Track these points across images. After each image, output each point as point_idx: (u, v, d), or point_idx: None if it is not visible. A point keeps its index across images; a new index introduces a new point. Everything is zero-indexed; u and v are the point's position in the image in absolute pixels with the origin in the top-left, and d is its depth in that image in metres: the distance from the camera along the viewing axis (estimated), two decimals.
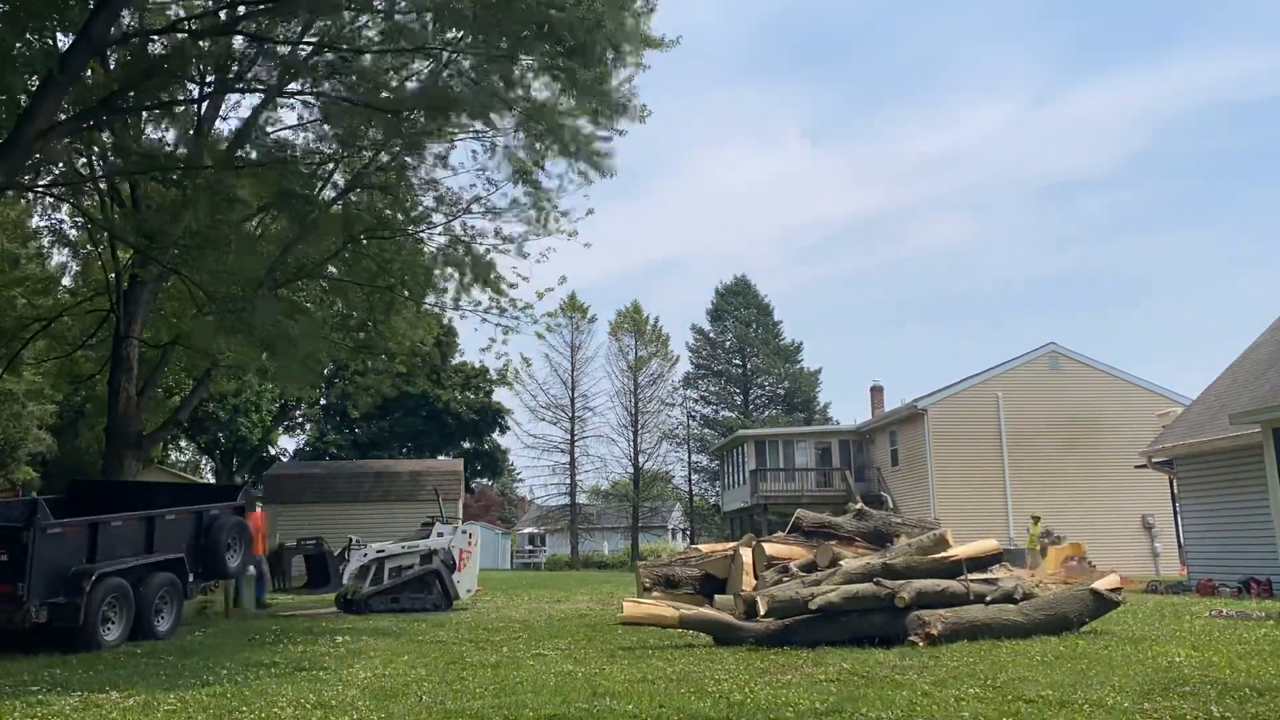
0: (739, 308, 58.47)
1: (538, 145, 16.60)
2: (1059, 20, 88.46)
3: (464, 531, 16.27)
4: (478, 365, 48.28)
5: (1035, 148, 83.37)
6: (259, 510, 15.51)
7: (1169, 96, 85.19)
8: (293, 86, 15.35)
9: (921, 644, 8.64)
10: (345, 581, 14.85)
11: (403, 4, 13.46)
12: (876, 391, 39.35)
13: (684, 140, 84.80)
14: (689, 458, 55.67)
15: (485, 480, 59.99)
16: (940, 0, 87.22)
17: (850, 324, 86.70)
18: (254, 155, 16.95)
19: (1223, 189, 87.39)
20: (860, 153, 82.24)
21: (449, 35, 14.44)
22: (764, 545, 13.25)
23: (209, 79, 15.68)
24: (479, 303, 20.01)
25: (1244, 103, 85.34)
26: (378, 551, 15.21)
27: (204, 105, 16.75)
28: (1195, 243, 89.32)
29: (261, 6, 13.21)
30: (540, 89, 14.78)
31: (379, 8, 13.61)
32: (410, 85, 15.84)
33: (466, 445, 50.83)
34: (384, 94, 14.61)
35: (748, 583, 12.47)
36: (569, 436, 48.25)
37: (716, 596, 13.20)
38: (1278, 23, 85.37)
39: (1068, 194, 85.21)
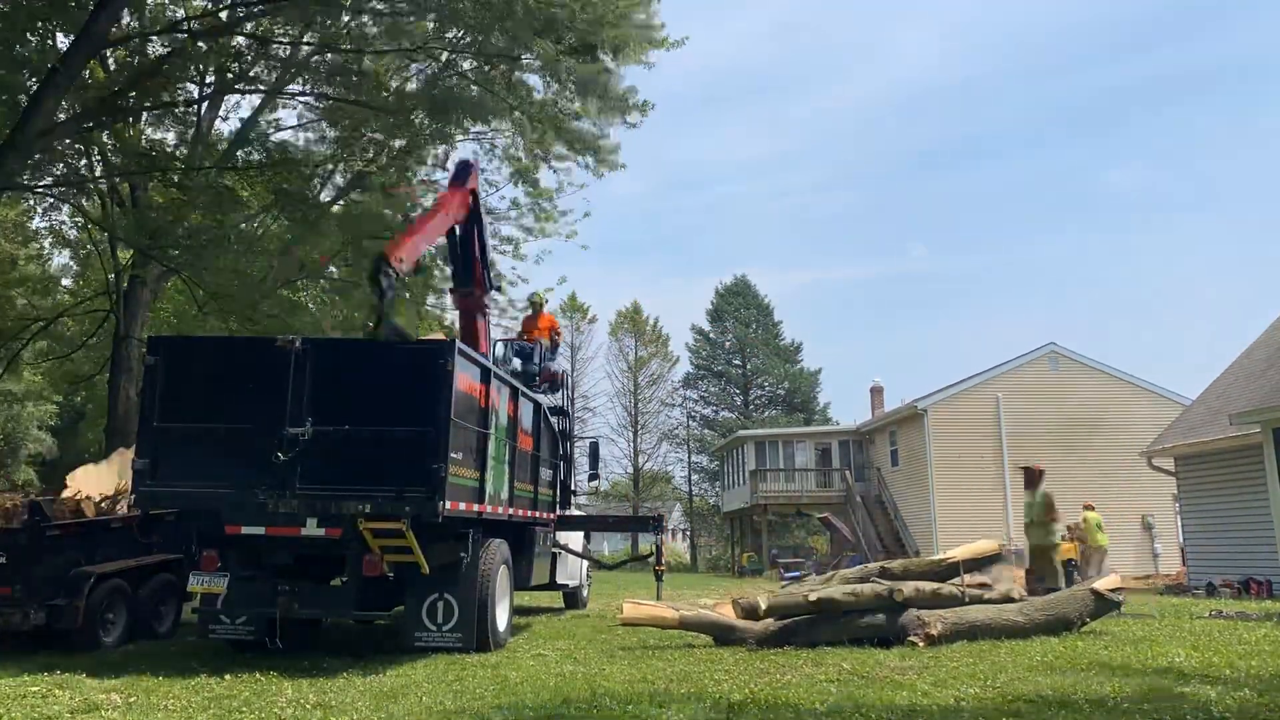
0: (739, 308, 58.43)
1: (539, 145, 16.62)
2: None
3: None
4: None
5: None
6: None
7: None
8: (293, 87, 15.40)
9: (921, 644, 8.65)
10: None
11: (403, 4, 13.47)
12: (876, 392, 39.36)
13: None
14: (689, 458, 55.69)
15: None
16: None
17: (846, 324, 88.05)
18: (254, 156, 16.98)
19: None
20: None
21: (450, 35, 14.45)
22: None
23: (209, 79, 15.68)
24: None
25: None
26: None
27: (204, 105, 16.75)
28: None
29: (261, 6, 13.22)
30: (542, 89, 14.80)
31: (378, 8, 13.62)
32: (411, 86, 15.87)
33: None
34: (384, 94, 14.62)
35: None
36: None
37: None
38: None
39: None
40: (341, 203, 18.88)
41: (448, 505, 8.26)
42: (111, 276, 17.85)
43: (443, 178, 19.40)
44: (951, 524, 27.07)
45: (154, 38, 14.40)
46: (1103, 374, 28.87)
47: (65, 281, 23.97)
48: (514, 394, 10.68)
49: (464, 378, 8.81)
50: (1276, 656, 7.98)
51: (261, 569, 8.82)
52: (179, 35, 13.72)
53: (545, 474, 12.22)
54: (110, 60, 15.62)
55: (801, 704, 6.08)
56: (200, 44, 13.67)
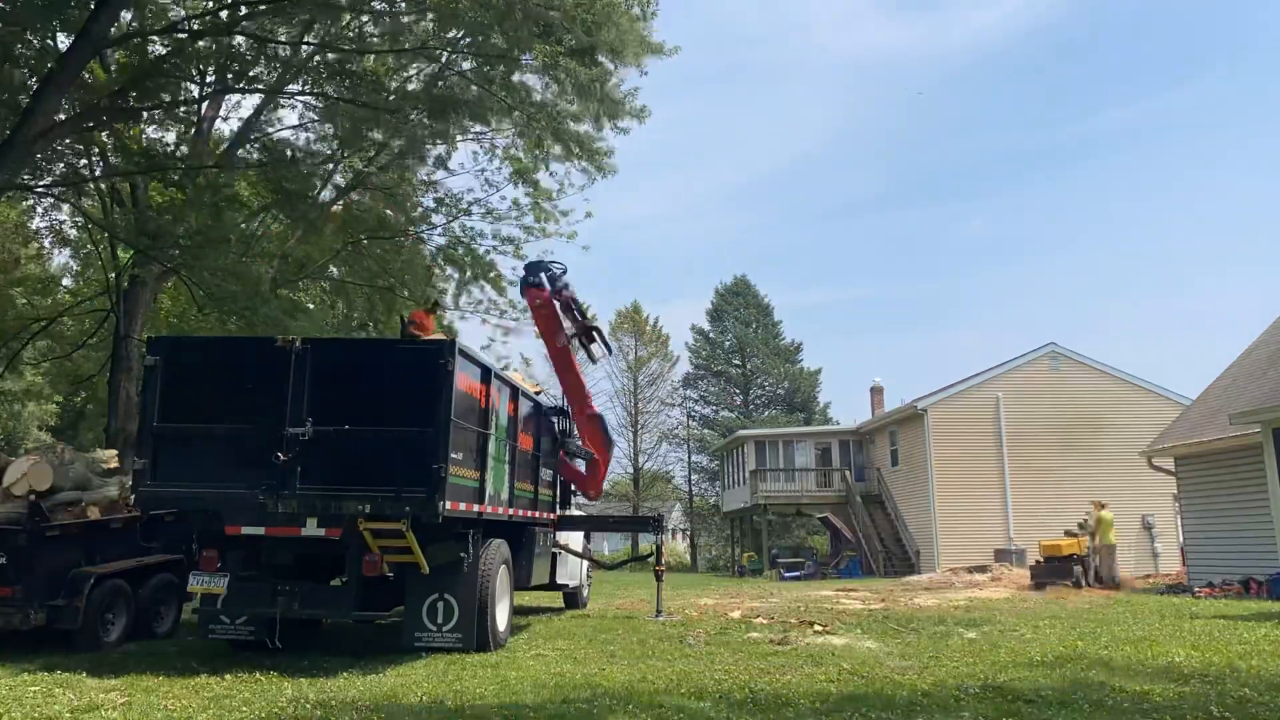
0: (739, 308, 58.44)
1: (538, 148, 16.65)
2: None
3: None
4: None
5: None
6: None
7: None
8: (293, 87, 15.38)
9: None
10: None
11: (404, 4, 13.47)
12: (876, 392, 39.34)
13: None
14: (689, 458, 55.61)
15: None
16: None
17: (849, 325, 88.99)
18: (254, 155, 16.98)
19: None
20: None
21: (450, 35, 14.46)
22: None
23: (209, 79, 15.67)
24: (479, 302, 20.09)
25: None
26: None
27: (204, 105, 16.75)
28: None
29: (262, 6, 13.21)
30: (540, 90, 14.82)
31: (378, 8, 13.61)
32: (411, 86, 15.88)
33: None
34: (385, 94, 14.62)
35: None
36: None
37: None
38: None
39: None
40: (342, 203, 18.90)
41: (448, 505, 8.16)
42: (111, 276, 17.84)
43: (442, 177, 19.43)
44: (951, 524, 27.08)
45: (154, 38, 14.39)
46: (1103, 374, 28.87)
47: (65, 281, 23.98)
48: (514, 394, 10.57)
49: (464, 378, 8.71)
50: (1276, 656, 7.99)
51: (261, 569, 8.74)
52: (179, 35, 13.72)
53: (545, 474, 12.13)
54: (110, 60, 15.62)
55: (802, 704, 6.08)
56: (200, 44, 13.67)
